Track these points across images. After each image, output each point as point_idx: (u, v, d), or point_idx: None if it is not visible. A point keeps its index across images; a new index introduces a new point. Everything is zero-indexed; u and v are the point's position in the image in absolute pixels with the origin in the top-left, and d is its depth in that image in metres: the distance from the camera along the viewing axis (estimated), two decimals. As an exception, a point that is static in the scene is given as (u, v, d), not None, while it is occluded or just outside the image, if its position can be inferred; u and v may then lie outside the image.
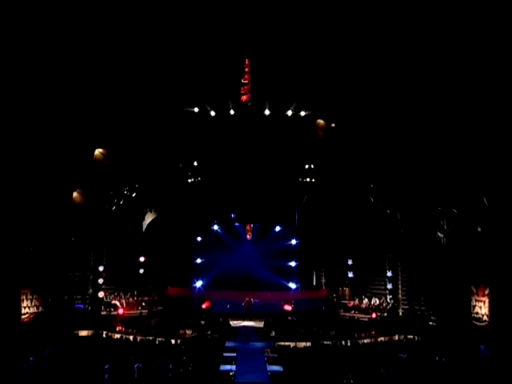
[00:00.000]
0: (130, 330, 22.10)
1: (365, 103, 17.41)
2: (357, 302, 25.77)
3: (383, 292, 25.32)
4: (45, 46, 14.76)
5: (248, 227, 28.74)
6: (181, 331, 22.06)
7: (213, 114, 19.42)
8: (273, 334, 21.49)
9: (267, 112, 18.92)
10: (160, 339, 20.26)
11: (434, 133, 17.91)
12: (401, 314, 23.67)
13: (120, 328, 22.49)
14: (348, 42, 15.81)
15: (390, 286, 24.48)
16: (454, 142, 17.82)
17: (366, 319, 23.76)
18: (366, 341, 20.59)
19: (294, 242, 28.58)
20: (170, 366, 14.53)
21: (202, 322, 22.15)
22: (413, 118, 17.63)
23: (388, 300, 24.30)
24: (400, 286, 24.16)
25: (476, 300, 19.27)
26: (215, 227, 28.72)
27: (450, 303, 20.88)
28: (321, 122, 19.27)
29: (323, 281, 28.63)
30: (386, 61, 15.65)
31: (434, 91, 16.16)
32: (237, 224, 28.81)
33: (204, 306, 24.47)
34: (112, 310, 24.09)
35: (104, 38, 15.18)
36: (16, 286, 16.49)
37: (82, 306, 22.86)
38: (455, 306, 20.42)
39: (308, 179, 23.87)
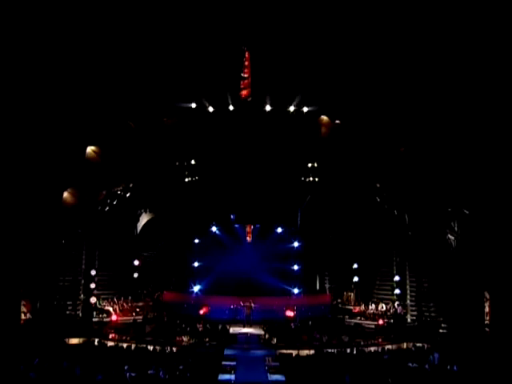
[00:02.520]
0: (123, 338, 22.11)
1: (371, 99, 17.41)
2: (362, 307, 25.71)
3: (390, 297, 25.26)
4: (33, 42, 14.78)
5: (248, 229, 28.67)
6: (177, 338, 22.04)
7: (211, 109, 19.45)
8: (274, 341, 21.45)
9: (268, 108, 18.85)
10: (155, 347, 20.29)
11: (444, 130, 17.93)
12: (409, 320, 23.64)
13: (113, 335, 22.45)
14: (353, 34, 15.83)
15: (397, 291, 24.46)
16: (465, 138, 17.84)
17: (373, 326, 23.73)
18: (372, 349, 20.58)
19: (296, 244, 28.48)
20: (166, 375, 14.53)
21: (200, 329, 22.14)
22: (421, 115, 17.66)
23: (395, 306, 24.26)
24: (408, 291, 24.10)
25: (489, 306, 19.25)
26: (213, 229, 28.65)
27: (461, 309, 20.85)
28: (324, 118, 19.27)
29: (327, 285, 28.59)
30: (394, 53, 15.66)
31: (445, 87, 16.16)
32: (236, 225, 28.77)
33: (202, 312, 24.44)
34: (105, 316, 24.07)
35: (97, 31, 15.19)
36: (16, 291, 16.48)
37: None
38: (467, 312, 20.40)
39: (311, 178, 23.81)
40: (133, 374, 13.95)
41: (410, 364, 15.58)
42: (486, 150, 15.93)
